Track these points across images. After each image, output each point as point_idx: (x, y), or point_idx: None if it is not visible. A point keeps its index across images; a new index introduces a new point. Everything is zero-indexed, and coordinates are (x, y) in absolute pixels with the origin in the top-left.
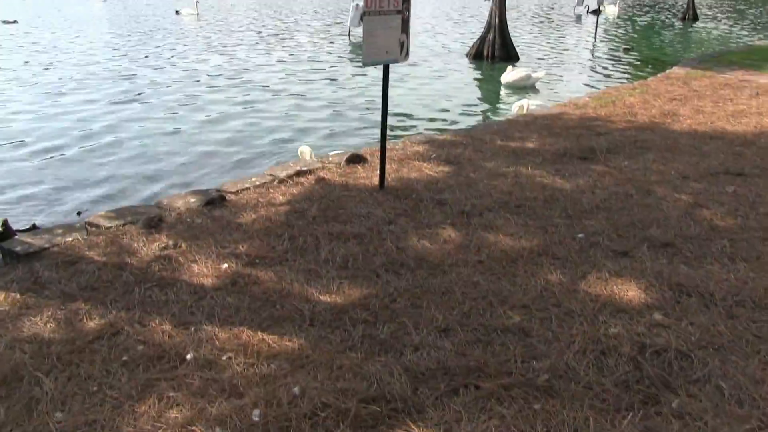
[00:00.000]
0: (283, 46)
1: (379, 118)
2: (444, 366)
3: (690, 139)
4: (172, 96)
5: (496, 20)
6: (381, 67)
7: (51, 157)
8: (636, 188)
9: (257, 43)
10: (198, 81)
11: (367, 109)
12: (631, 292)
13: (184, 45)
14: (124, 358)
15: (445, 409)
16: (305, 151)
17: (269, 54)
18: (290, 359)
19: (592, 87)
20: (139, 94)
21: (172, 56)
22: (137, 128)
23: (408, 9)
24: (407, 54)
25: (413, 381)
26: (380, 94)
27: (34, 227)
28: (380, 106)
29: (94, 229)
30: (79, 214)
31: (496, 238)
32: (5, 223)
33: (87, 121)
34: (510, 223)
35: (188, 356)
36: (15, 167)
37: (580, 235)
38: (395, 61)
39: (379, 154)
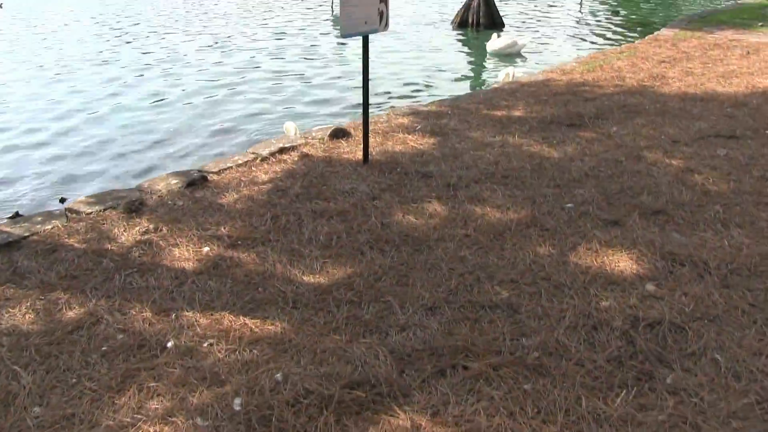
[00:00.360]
0: (265, 21)
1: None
2: (430, 346)
3: (680, 102)
4: (155, 79)
5: None
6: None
7: (34, 145)
8: (625, 154)
9: (239, 19)
10: (180, 62)
11: (351, 81)
12: (622, 262)
13: (165, 24)
14: (104, 348)
15: (432, 392)
16: (290, 127)
17: (252, 30)
18: (273, 344)
19: (580, 52)
20: (122, 79)
21: (154, 37)
22: (122, 113)
23: None
24: (387, 24)
25: (399, 363)
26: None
27: (17, 215)
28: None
29: (74, 215)
30: (62, 201)
31: (483, 211)
32: None
33: (72, 107)
34: (497, 195)
35: (169, 344)
36: None
37: (569, 205)
38: (375, 31)
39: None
